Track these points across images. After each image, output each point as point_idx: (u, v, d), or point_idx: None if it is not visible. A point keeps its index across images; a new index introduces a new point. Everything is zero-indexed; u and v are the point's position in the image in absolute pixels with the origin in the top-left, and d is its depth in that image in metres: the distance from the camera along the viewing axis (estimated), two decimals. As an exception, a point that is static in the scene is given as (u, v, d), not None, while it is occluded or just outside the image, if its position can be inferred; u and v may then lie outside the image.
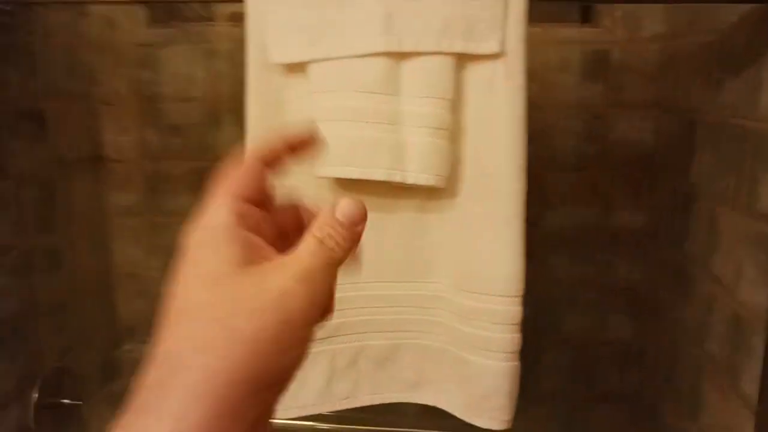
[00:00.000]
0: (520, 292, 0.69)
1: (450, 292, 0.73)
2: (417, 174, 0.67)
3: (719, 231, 0.88)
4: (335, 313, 0.76)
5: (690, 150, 1.00)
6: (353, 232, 0.30)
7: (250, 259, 0.28)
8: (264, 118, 0.71)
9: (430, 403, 0.77)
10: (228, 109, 1.24)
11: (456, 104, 0.68)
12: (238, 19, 1.23)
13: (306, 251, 0.29)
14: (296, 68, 0.69)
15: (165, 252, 1.28)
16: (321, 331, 0.74)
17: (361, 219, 0.31)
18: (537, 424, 1.15)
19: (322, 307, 0.29)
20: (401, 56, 0.67)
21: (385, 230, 0.73)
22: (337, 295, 0.74)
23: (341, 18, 0.67)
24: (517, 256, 0.68)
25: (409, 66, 0.67)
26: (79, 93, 1.21)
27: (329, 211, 0.31)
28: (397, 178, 0.68)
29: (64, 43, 1.17)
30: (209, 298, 0.26)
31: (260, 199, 0.32)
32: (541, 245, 1.21)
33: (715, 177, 0.90)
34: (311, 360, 0.74)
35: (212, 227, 0.29)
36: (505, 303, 0.69)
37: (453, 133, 0.69)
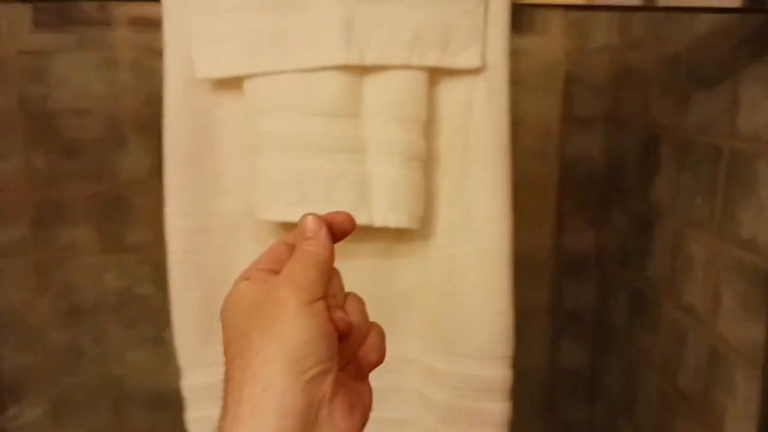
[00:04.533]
0: (510, 352, 0.59)
1: (421, 353, 0.61)
2: (386, 214, 0.55)
3: (689, 256, 0.82)
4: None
5: (651, 168, 0.94)
6: (319, 237, 0.37)
7: None
8: (187, 145, 0.57)
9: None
10: (132, 126, 1.07)
11: (429, 128, 0.57)
12: (141, 24, 1.08)
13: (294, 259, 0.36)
14: (230, 84, 0.56)
15: (56, 294, 1.10)
16: None
17: (317, 226, 0.37)
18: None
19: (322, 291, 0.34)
20: (363, 71, 0.55)
21: (344, 280, 0.60)
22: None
23: (289, 24, 0.53)
24: (505, 310, 0.58)
25: (372, 82, 0.55)
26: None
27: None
28: (361, 219, 0.55)
29: None
30: None
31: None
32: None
33: (682, 198, 0.84)
34: None
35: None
36: (491, 366, 0.59)
37: (426, 163, 0.57)
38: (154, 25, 1.05)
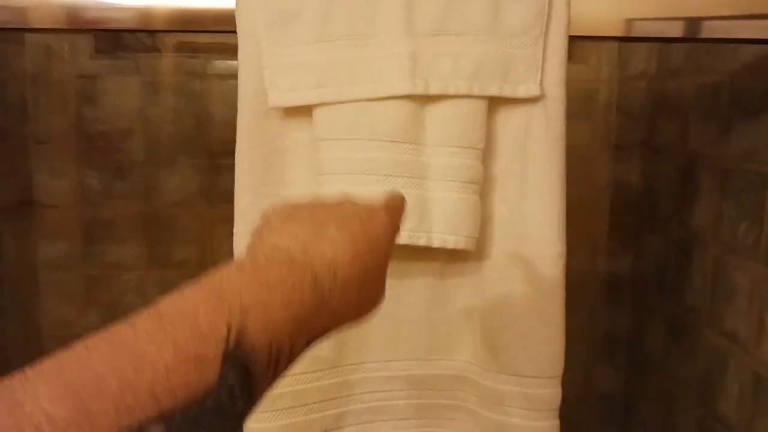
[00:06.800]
0: (560, 372, 0.60)
1: (476, 373, 0.63)
2: (444, 235, 0.58)
3: (733, 283, 0.83)
4: (337, 402, 0.67)
5: (689, 195, 0.95)
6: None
7: None
8: (257, 171, 0.59)
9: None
10: (179, 148, 1.11)
11: (487, 154, 0.59)
12: (185, 49, 1.12)
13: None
14: (299, 112, 0.58)
15: (102, 310, 1.13)
16: (320, 421, 0.62)
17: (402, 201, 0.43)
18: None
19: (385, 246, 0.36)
20: (426, 100, 0.57)
21: (399, 299, 0.62)
22: (338, 379, 0.68)
23: (357, 56, 0.56)
24: (558, 331, 0.59)
25: (434, 111, 0.58)
26: (6, 131, 1.05)
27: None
28: (421, 241, 0.57)
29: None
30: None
31: None
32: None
33: (724, 225, 0.85)
34: None
35: None
36: (543, 385, 0.60)
37: (483, 188, 0.59)
38: (197, 50, 1.10)
